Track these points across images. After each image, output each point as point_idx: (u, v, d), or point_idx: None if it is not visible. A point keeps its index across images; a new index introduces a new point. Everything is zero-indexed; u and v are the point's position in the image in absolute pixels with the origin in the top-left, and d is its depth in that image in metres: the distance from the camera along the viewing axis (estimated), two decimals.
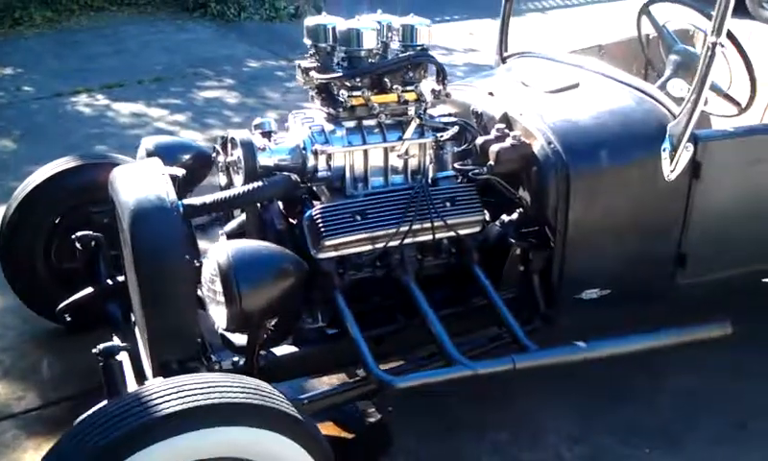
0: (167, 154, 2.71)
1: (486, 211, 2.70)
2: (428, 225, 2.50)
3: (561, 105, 2.74)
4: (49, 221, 3.04)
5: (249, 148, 2.44)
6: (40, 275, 3.08)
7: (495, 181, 2.62)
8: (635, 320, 2.84)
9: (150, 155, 2.73)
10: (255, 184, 2.40)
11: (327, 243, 2.40)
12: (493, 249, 2.68)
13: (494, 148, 2.59)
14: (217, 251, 2.14)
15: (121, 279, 2.72)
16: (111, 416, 1.69)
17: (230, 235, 2.61)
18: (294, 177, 2.49)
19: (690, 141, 2.55)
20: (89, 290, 2.76)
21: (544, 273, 2.65)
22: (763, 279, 3.12)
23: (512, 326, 2.48)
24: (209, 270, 2.14)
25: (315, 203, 2.55)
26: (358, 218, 2.44)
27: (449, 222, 2.53)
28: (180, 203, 2.31)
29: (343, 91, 2.49)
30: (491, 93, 2.89)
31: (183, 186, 2.51)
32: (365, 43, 2.48)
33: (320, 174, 2.53)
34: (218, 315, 2.17)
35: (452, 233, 2.55)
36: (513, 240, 2.64)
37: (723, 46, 2.42)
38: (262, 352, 2.41)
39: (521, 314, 2.65)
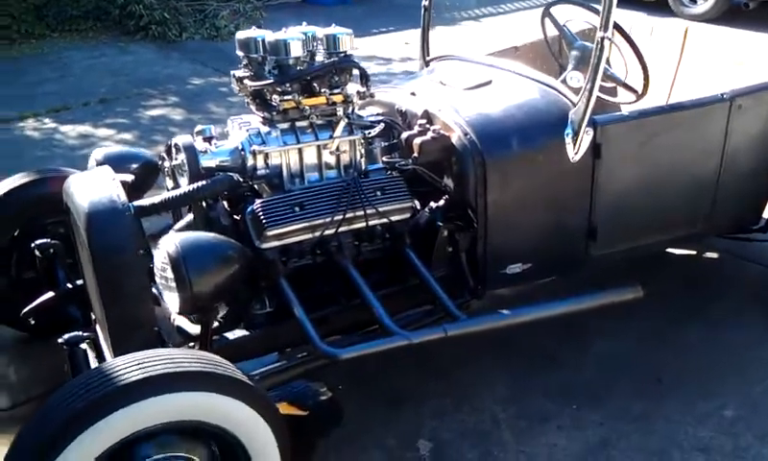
0: (116, 163, 2.92)
1: (415, 199, 2.98)
2: (361, 213, 2.76)
3: (475, 100, 3.04)
4: (8, 234, 3.22)
5: (191, 151, 2.67)
6: (2, 286, 3.25)
7: (420, 170, 2.89)
8: (556, 290, 3.17)
9: (100, 164, 2.95)
10: (199, 184, 2.64)
11: (269, 233, 2.64)
12: (424, 232, 2.96)
13: (417, 141, 2.87)
14: (166, 241, 2.38)
15: (79, 282, 2.92)
16: (79, 386, 1.92)
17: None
18: (236, 176, 2.74)
19: (590, 126, 2.85)
20: (50, 294, 2.95)
21: (470, 252, 2.94)
22: (666, 249, 3.47)
23: (443, 299, 2.75)
24: (160, 259, 2.37)
25: (257, 199, 2.79)
26: (297, 209, 2.69)
27: (381, 210, 2.80)
28: (130, 204, 2.54)
29: (275, 96, 2.74)
30: (413, 93, 3.17)
31: (133, 191, 2.73)
32: (292, 52, 2.74)
33: (259, 172, 2.77)
34: (171, 301, 2.39)
35: (384, 220, 2.81)
36: (440, 224, 2.92)
37: (610, 40, 2.74)
38: (215, 338, 2.64)
39: (452, 290, 2.93)
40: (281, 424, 2.21)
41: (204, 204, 2.75)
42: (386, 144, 3.01)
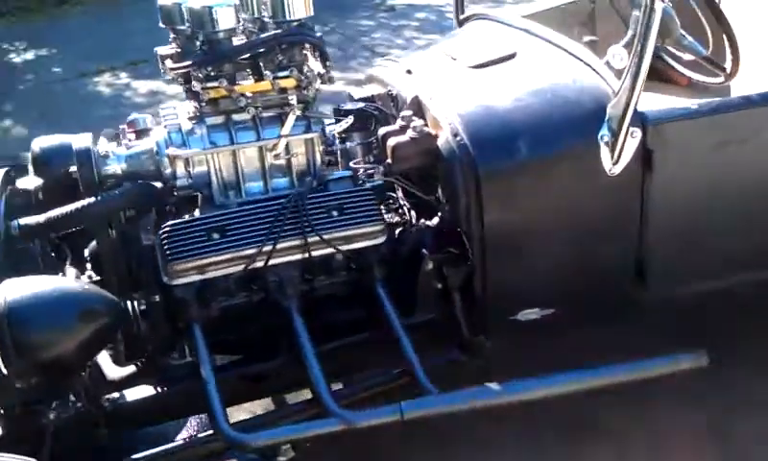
0: (55, 157, 2.36)
1: (401, 214, 2.26)
2: (312, 239, 2.07)
3: (481, 83, 2.24)
4: None
5: (83, 156, 2.07)
6: None
7: (393, 180, 2.16)
8: (582, 344, 2.36)
9: (36, 158, 2.39)
10: (91, 199, 2.03)
11: (175, 268, 2.01)
12: (404, 264, 2.23)
13: (391, 143, 2.13)
14: None
15: None
16: None
17: (90, 257, 2.24)
18: (156, 185, 2.12)
19: (636, 124, 2.00)
20: None
21: (466, 291, 2.18)
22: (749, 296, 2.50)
23: (411, 362, 2.03)
24: None
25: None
26: (215, 236, 2.03)
27: (335, 235, 2.09)
28: (14, 223, 1.99)
29: (194, 83, 2.08)
30: (408, 71, 2.41)
31: (48, 200, 2.16)
32: (221, 23, 2.06)
33: (179, 182, 2.13)
34: None
35: (331, 249, 2.10)
36: (425, 252, 2.19)
37: (664, 1, 1.86)
38: (115, 395, 2.08)
39: (444, 341, 2.21)
40: None
41: (122, 216, 2.15)
42: (363, 143, 2.28)
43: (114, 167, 2.11)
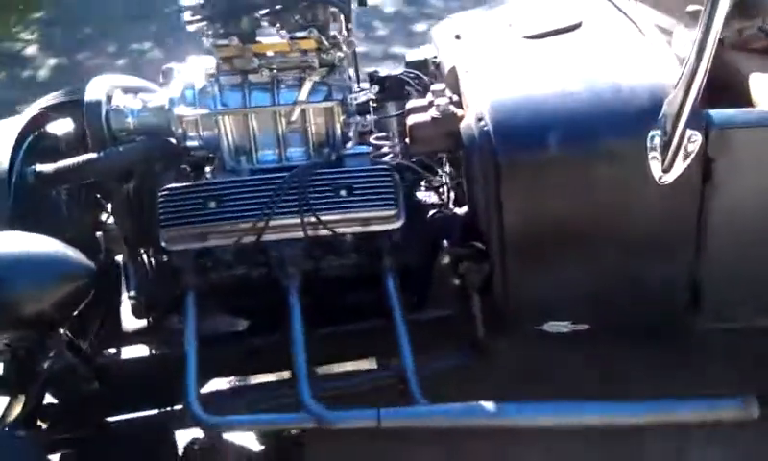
0: None
1: (428, 196, 2.06)
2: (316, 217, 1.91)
3: (526, 59, 1.94)
4: None
5: (92, 109, 2.00)
6: None
7: (408, 164, 1.93)
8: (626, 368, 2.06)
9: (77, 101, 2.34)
10: (103, 152, 1.97)
11: (168, 234, 1.92)
12: (424, 251, 2.03)
13: (410, 121, 1.90)
14: None
15: None
16: None
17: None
18: (173, 142, 2.03)
19: (696, 127, 1.65)
20: None
21: (485, 291, 1.95)
22: None
23: (404, 366, 1.84)
24: None
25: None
26: (211, 205, 1.92)
27: (340, 216, 1.92)
28: (31, 169, 1.99)
29: (204, 40, 1.94)
30: (457, 36, 2.13)
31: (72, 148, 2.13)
32: None
33: (188, 143, 2.03)
34: None
35: (348, 229, 1.93)
36: (446, 244, 1.97)
37: None
38: (111, 351, 2.06)
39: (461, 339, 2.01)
40: None
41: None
42: (387, 117, 2.06)
43: (126, 122, 2.03)
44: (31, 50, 5.70)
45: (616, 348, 2.02)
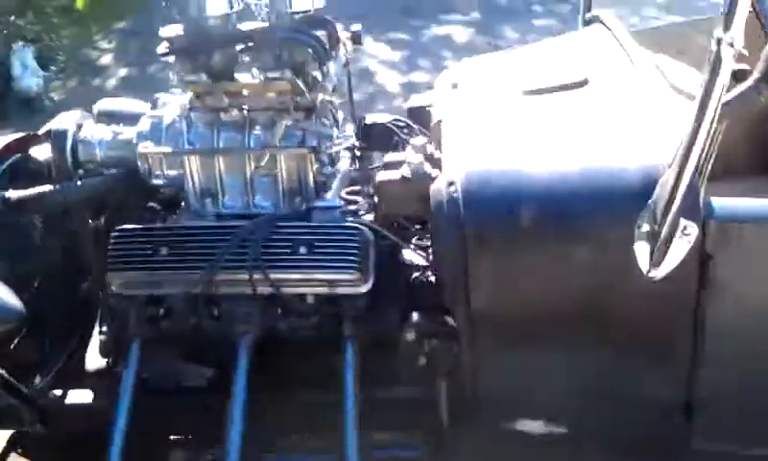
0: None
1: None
2: (275, 275, 1.74)
3: (517, 118, 1.72)
4: None
5: (59, 139, 1.91)
6: None
7: (369, 225, 1.74)
8: None
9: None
10: (61, 184, 1.88)
11: (116, 278, 1.80)
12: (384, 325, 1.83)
13: (378, 178, 1.72)
14: None
15: None
16: None
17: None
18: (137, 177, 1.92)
19: (694, 219, 1.39)
20: None
21: (453, 377, 1.73)
22: None
23: (347, 450, 1.65)
24: None
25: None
26: (162, 252, 1.78)
27: (296, 276, 1.74)
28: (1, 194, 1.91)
29: (171, 75, 1.81)
30: (454, 85, 1.93)
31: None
32: (208, 8, 1.76)
33: (154, 181, 1.90)
34: None
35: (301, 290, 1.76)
36: (411, 319, 1.76)
37: (733, 46, 1.24)
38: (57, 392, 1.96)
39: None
40: None
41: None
42: (360, 171, 1.89)
43: (93, 153, 1.93)
44: (106, 59, 5.81)
45: (596, 456, 1.75)
